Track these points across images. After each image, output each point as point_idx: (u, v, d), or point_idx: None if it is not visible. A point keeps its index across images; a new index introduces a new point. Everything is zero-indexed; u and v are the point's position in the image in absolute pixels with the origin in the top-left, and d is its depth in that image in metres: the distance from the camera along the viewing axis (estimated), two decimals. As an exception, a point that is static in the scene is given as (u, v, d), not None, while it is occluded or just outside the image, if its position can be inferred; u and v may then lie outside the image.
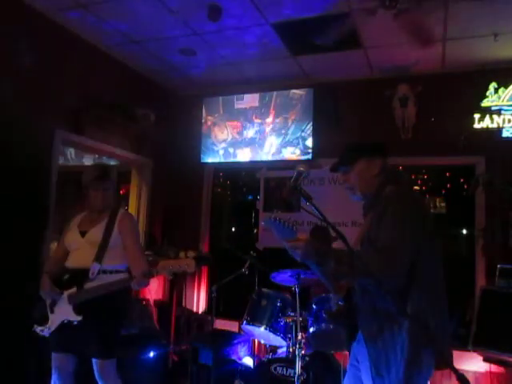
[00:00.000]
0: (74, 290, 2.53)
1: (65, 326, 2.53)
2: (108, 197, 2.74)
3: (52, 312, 2.57)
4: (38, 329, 2.59)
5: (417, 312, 1.68)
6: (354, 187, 1.98)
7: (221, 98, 5.36)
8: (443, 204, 4.81)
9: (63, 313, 2.52)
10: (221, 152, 5.35)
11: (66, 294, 2.53)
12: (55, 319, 2.56)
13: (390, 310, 1.71)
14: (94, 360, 2.56)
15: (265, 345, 4.06)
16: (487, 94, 4.13)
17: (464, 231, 4.80)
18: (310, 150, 4.90)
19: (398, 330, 1.68)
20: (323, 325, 3.13)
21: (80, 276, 2.55)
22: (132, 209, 5.16)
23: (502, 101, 4.10)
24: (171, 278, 2.44)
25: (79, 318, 2.48)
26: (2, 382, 3.12)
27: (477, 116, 4.17)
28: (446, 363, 1.32)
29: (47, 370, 2.67)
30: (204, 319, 4.90)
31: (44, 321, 2.58)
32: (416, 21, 3.32)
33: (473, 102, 4.20)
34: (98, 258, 2.57)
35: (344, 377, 3.13)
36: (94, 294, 2.50)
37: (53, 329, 2.56)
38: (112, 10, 3.71)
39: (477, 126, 4.17)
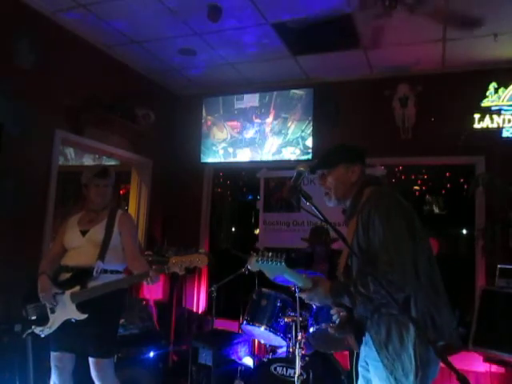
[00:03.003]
0: (77, 288, 2.52)
1: (64, 325, 2.53)
2: (107, 194, 2.79)
3: (53, 312, 2.56)
4: (38, 329, 2.57)
5: (422, 310, 1.68)
6: (329, 192, 1.95)
7: (221, 97, 5.36)
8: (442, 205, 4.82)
9: (66, 312, 2.52)
10: (221, 152, 5.35)
11: (68, 292, 2.52)
12: (57, 319, 2.55)
13: (394, 313, 1.70)
14: (91, 359, 2.56)
15: (265, 345, 4.06)
16: (487, 94, 4.13)
17: (464, 231, 4.80)
18: (309, 150, 4.90)
19: (406, 332, 1.68)
20: (323, 325, 3.13)
21: (82, 275, 2.56)
22: (132, 209, 5.16)
23: (502, 101, 4.10)
24: (183, 274, 2.44)
25: (85, 316, 2.48)
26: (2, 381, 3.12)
27: (477, 116, 4.17)
28: (446, 358, 1.31)
29: (47, 369, 2.67)
30: (204, 319, 4.90)
31: (44, 321, 2.57)
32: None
33: (473, 102, 4.19)
34: (101, 256, 2.58)
35: (344, 376, 3.14)
36: (101, 292, 2.49)
37: (54, 328, 2.55)
38: (112, 10, 3.71)
39: (477, 126, 4.17)
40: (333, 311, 1.91)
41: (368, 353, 1.83)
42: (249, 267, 1.75)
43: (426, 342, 1.63)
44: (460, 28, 3.60)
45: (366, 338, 1.82)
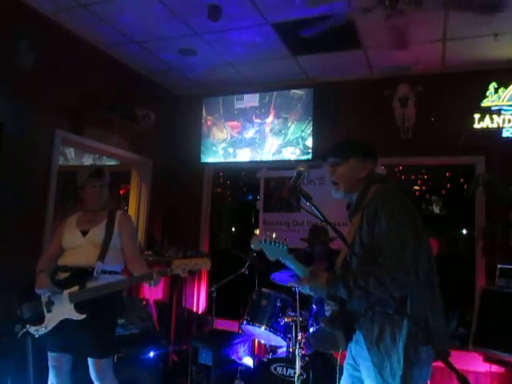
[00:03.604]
0: (75, 288, 2.51)
1: (61, 326, 2.51)
2: (104, 194, 2.79)
3: (49, 311, 2.54)
4: (33, 329, 2.54)
5: (416, 311, 1.68)
6: (339, 182, 1.95)
7: (221, 97, 5.36)
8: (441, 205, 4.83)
9: (63, 312, 2.50)
10: (221, 152, 5.35)
11: (66, 292, 2.51)
12: (53, 318, 2.53)
13: (389, 312, 1.70)
14: (90, 360, 2.55)
15: (265, 345, 4.06)
16: (487, 94, 4.13)
17: (464, 231, 4.80)
18: (309, 150, 4.90)
19: (398, 332, 1.68)
20: (323, 325, 3.13)
21: (81, 275, 2.55)
22: (132, 209, 5.16)
23: (502, 101, 4.10)
24: (186, 276, 2.45)
25: (82, 317, 2.46)
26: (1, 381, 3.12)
27: (477, 116, 4.17)
28: (446, 358, 1.31)
29: (46, 369, 2.67)
30: (204, 319, 4.90)
31: (39, 320, 2.54)
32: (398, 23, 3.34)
33: (473, 102, 4.19)
34: (101, 257, 2.58)
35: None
36: (100, 293, 2.48)
37: (49, 328, 2.53)
38: (112, 10, 3.71)
39: (477, 126, 4.17)
40: (326, 306, 1.92)
41: (359, 352, 1.83)
42: (252, 246, 1.76)
43: (416, 343, 1.64)
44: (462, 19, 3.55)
45: (357, 335, 1.82)
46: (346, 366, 1.96)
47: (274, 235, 1.73)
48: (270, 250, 1.75)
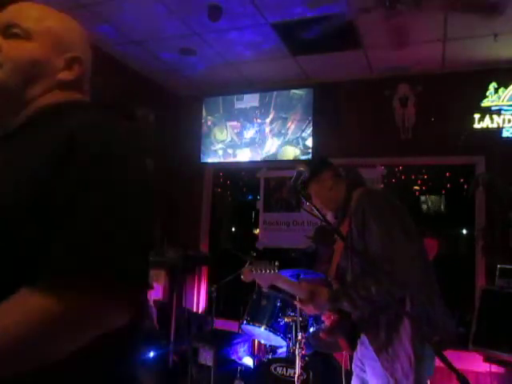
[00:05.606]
0: None
1: None
2: None
3: None
4: None
5: (417, 309, 1.68)
6: (322, 208, 1.92)
7: (221, 97, 5.36)
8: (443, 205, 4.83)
9: None
10: (220, 152, 5.35)
11: None
12: None
13: (392, 315, 1.71)
14: None
15: (265, 345, 4.06)
16: (487, 94, 4.13)
17: (464, 231, 4.80)
18: (309, 150, 4.90)
19: (403, 332, 1.69)
20: (323, 325, 3.13)
21: None
22: (132, 209, 5.14)
23: (502, 101, 4.10)
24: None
25: None
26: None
27: (477, 116, 4.17)
28: (444, 356, 1.32)
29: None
30: (204, 319, 4.90)
31: None
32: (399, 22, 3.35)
33: (473, 102, 4.19)
34: None
35: (344, 377, 3.14)
36: None
37: None
38: (112, 10, 3.71)
39: (477, 126, 4.17)
40: (324, 317, 1.92)
41: (364, 353, 1.83)
42: (242, 278, 1.78)
43: (421, 338, 1.65)
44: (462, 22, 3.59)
45: (362, 338, 1.82)
46: (354, 367, 1.96)
47: (262, 263, 1.75)
48: (263, 278, 1.76)
